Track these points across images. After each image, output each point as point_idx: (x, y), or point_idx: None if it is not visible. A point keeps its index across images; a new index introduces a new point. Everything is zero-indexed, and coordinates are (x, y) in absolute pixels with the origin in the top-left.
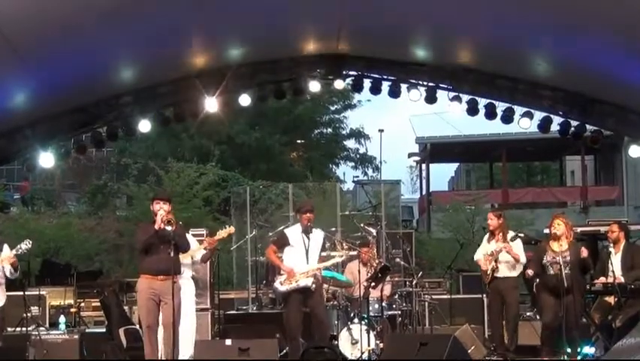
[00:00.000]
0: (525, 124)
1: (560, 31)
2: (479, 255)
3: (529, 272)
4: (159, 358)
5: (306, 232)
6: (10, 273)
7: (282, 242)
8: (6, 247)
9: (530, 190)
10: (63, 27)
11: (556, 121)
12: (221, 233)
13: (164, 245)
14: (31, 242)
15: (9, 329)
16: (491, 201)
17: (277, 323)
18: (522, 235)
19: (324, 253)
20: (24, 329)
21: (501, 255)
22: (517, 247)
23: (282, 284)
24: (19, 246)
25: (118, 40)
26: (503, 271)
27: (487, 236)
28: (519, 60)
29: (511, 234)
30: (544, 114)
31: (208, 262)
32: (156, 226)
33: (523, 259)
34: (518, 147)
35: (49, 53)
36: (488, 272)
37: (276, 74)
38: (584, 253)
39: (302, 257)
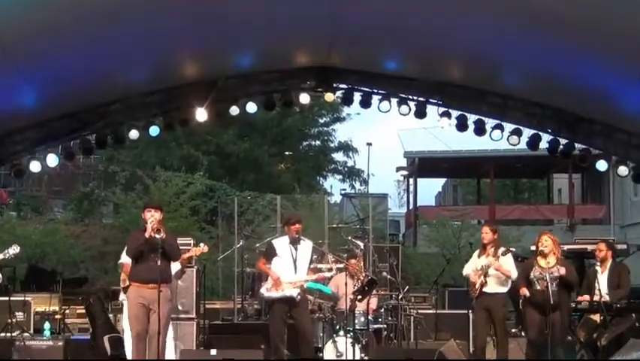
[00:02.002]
0: (514, 141)
1: (549, 50)
2: (468, 269)
3: (526, 292)
4: None
5: (294, 243)
6: None
7: (270, 253)
8: None
9: (517, 207)
10: (53, 32)
11: (545, 139)
12: (194, 250)
13: (153, 253)
14: (19, 247)
15: None
16: (478, 217)
17: (262, 333)
18: (513, 249)
19: (311, 265)
20: (8, 334)
21: (491, 269)
22: (508, 262)
23: (267, 290)
24: (6, 250)
25: (109, 47)
26: (492, 287)
27: (477, 251)
28: (508, 77)
29: (502, 249)
30: (533, 132)
31: (195, 272)
32: (146, 234)
33: (514, 275)
34: (506, 164)
35: (38, 58)
36: (477, 286)
37: (266, 85)
38: (562, 270)
39: (290, 268)
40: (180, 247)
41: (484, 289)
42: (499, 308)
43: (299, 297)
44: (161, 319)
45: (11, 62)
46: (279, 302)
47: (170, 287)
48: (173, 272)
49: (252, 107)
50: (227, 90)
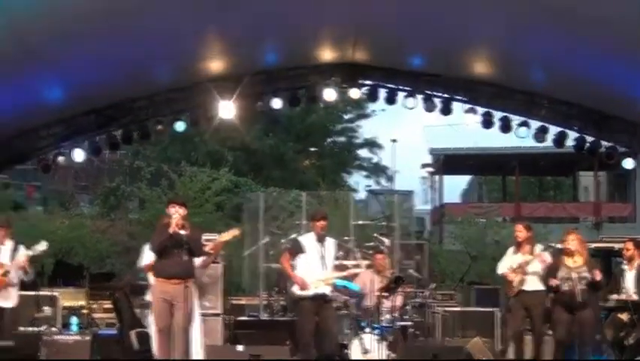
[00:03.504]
0: (540, 138)
1: (576, 48)
2: (504, 268)
3: (555, 282)
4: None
5: (321, 239)
6: (24, 276)
7: (297, 250)
8: (22, 247)
9: (543, 205)
10: (79, 29)
11: (571, 136)
12: (225, 235)
13: (177, 249)
14: (46, 244)
15: (21, 328)
16: (503, 214)
17: (288, 330)
18: (558, 246)
19: (336, 262)
20: (36, 329)
21: (530, 266)
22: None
23: (300, 289)
24: (34, 247)
25: (136, 44)
26: (532, 284)
27: (512, 248)
28: (534, 74)
29: (538, 246)
30: (559, 129)
31: (221, 268)
32: (170, 230)
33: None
34: (532, 161)
35: (65, 54)
36: (515, 284)
37: (292, 81)
38: (598, 276)
39: (317, 265)
40: (206, 241)
41: (523, 287)
42: (538, 306)
43: (330, 294)
44: (185, 315)
45: (38, 58)
46: (309, 300)
47: (195, 282)
48: (198, 261)
49: (277, 104)
50: (253, 86)
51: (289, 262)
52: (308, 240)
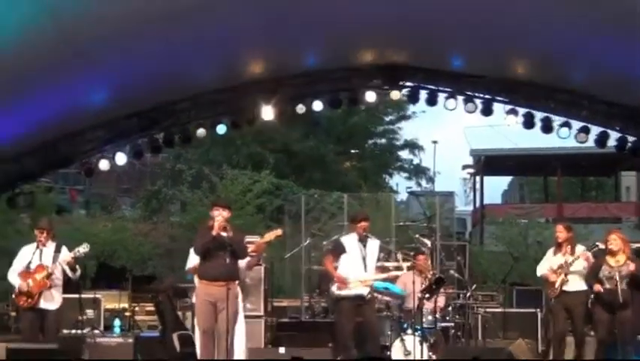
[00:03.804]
0: (582, 139)
1: (618, 47)
2: (544, 269)
3: (600, 288)
4: None
5: (362, 240)
6: (70, 274)
7: (339, 250)
8: (64, 249)
9: (585, 205)
10: (124, 32)
11: (614, 136)
12: (267, 236)
13: (221, 251)
14: (89, 246)
15: (65, 331)
16: (545, 215)
17: (330, 332)
18: (602, 246)
19: (378, 264)
20: (79, 331)
21: (572, 266)
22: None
23: (338, 288)
24: (77, 249)
25: (179, 47)
26: (574, 284)
27: (552, 250)
28: (576, 74)
29: (580, 247)
30: (600, 129)
31: (263, 270)
32: (213, 232)
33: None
34: (573, 162)
35: (109, 57)
36: (557, 285)
37: (333, 83)
38: (631, 266)
39: (359, 265)
40: (248, 243)
41: (565, 288)
42: (579, 306)
43: (369, 296)
44: (229, 317)
45: (85, 60)
46: (347, 300)
47: (240, 285)
48: (243, 264)
49: (318, 106)
50: (294, 88)
51: (332, 263)
52: (350, 240)
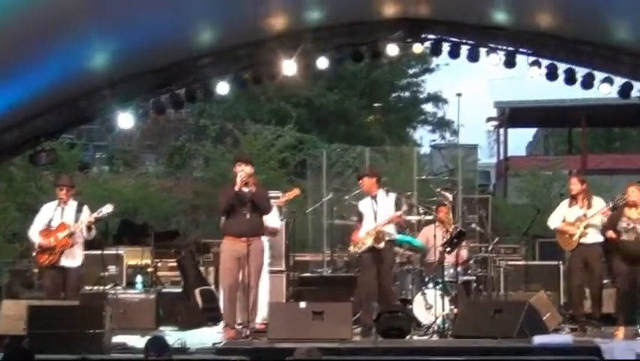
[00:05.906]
0: (605, 90)
1: None
2: (557, 222)
3: (613, 235)
4: (237, 317)
5: (374, 198)
6: (86, 234)
7: (359, 218)
8: (86, 208)
9: (609, 157)
10: None
11: (637, 87)
12: (285, 196)
13: (244, 207)
14: (112, 206)
15: (87, 287)
16: (569, 167)
17: (352, 286)
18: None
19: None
20: (101, 287)
21: (592, 220)
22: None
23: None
24: (100, 209)
25: (197, 2)
26: (592, 237)
27: (566, 201)
28: (600, 26)
29: (596, 199)
30: (624, 80)
31: (284, 224)
32: (236, 188)
33: None
34: (598, 113)
35: (128, 13)
36: (575, 238)
37: (354, 36)
38: None
39: (371, 223)
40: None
41: (582, 240)
42: (597, 258)
43: (381, 245)
44: (253, 272)
45: (99, 17)
46: (365, 254)
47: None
48: (272, 225)
49: (339, 60)
50: (315, 42)
51: (357, 233)
52: (364, 203)
